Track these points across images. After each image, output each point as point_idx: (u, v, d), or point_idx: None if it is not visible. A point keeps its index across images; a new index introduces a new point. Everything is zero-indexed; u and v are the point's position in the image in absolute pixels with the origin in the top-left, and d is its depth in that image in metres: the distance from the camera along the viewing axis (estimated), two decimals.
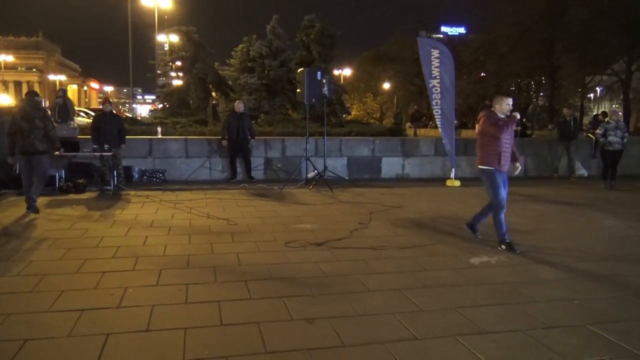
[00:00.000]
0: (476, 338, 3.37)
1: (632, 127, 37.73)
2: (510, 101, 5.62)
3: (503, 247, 5.60)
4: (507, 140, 5.60)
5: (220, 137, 11.38)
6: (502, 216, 5.64)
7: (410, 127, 27.19)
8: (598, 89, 52.43)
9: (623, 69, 38.35)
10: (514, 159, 5.87)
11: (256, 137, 11.58)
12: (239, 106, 11.51)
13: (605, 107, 56.98)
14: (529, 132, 15.73)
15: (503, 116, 5.61)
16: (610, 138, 10.65)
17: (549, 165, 13.12)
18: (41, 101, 9.09)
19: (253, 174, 11.33)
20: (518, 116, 5.58)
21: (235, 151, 11.21)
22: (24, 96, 7.80)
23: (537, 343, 3.31)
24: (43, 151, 7.50)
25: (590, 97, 57.93)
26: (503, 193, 5.64)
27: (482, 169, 5.75)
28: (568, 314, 3.79)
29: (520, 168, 6.08)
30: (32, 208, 7.36)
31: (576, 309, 3.92)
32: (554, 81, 42.93)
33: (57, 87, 72.74)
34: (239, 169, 11.36)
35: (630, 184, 11.56)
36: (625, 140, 10.74)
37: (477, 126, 5.98)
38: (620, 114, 11.80)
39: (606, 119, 11.12)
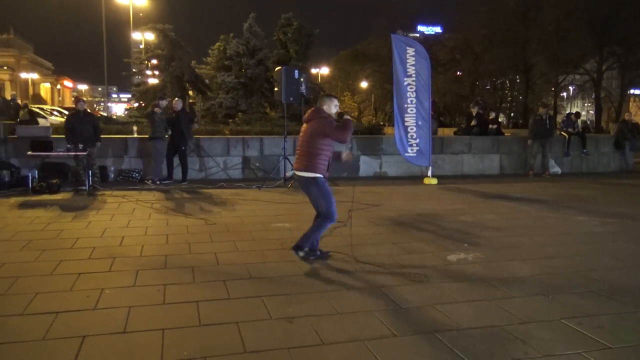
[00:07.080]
0: (454, 334, 3.41)
1: (604, 125, 38.55)
2: (337, 102, 5.13)
3: (301, 253, 4.98)
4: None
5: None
6: (328, 227, 5.15)
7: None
8: (570, 88, 53.49)
9: (594, 68, 39.19)
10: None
11: (234, 136, 11.43)
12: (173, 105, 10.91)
13: (577, 105, 58.19)
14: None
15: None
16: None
17: (524, 163, 13.34)
18: None
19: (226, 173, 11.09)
20: (348, 117, 5.04)
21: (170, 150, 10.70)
22: None
23: (513, 338, 3.36)
24: None
25: (563, 96, 59.05)
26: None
27: (312, 178, 4.92)
28: (543, 309, 3.86)
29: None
30: None
31: (551, 303, 3.99)
32: (528, 80, 43.64)
33: (30, 86, 71.18)
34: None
35: (601, 180, 11.81)
36: None
37: (305, 125, 5.07)
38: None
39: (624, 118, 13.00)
